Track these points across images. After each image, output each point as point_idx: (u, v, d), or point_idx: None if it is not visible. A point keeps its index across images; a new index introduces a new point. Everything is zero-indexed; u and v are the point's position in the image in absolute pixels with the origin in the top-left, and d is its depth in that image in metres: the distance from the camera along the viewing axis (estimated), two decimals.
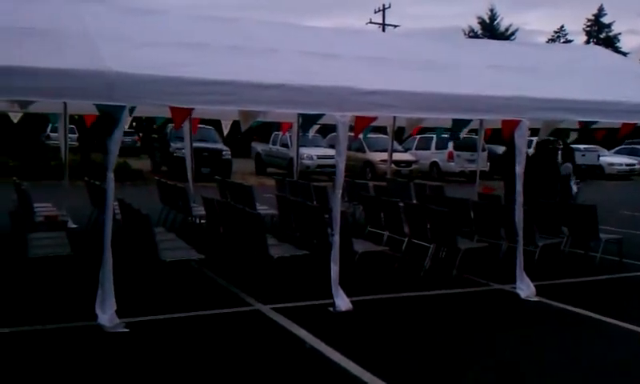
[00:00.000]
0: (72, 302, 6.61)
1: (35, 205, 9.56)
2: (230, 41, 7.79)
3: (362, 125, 7.28)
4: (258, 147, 28.07)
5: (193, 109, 6.47)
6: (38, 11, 7.76)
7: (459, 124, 10.33)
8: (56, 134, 27.50)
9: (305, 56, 7.87)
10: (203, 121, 16.42)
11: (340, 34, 11.40)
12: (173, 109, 6.32)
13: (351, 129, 7.30)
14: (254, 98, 6.50)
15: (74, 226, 10.58)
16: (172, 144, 22.87)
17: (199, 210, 10.52)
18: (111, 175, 5.96)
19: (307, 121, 7.05)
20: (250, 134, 25.29)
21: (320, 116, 6.84)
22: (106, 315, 5.92)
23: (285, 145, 25.07)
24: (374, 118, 7.39)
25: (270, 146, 27.29)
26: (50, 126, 27.51)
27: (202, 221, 10.46)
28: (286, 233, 9.19)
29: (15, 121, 13.31)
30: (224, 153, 23.72)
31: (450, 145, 26.00)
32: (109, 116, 5.88)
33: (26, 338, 5.69)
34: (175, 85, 6.04)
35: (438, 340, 6.07)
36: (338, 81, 6.99)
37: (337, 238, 6.86)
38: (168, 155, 23.21)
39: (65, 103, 11.11)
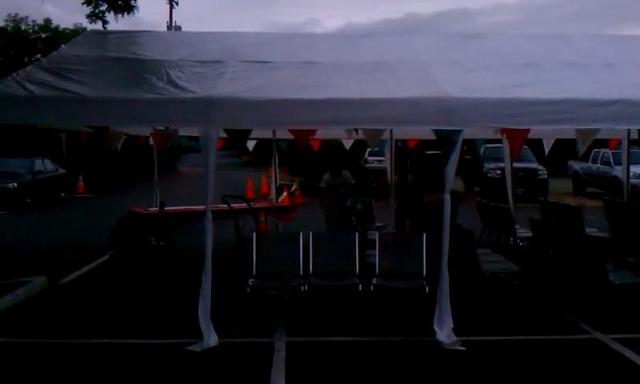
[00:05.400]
0: (411, 317, 6.96)
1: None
2: (561, 57, 7.56)
3: None
4: (576, 165, 26.40)
5: (529, 130, 6.38)
6: (371, 46, 8.49)
7: None
8: (373, 158, 29.76)
9: None
10: None
11: None
12: (509, 131, 6.31)
13: None
14: (592, 116, 6.15)
15: None
16: (485, 164, 22.83)
17: (522, 231, 10.29)
18: (447, 196, 6.15)
19: None
20: (566, 152, 23.95)
21: None
22: (444, 332, 6.13)
23: (606, 162, 23.23)
24: None
25: (590, 164, 25.47)
26: (368, 150, 29.47)
27: (524, 243, 10.19)
28: (622, 258, 8.47)
29: (347, 147, 14.47)
30: (540, 172, 22.87)
31: None
32: (445, 140, 6.09)
33: (371, 348, 6.14)
34: (512, 106, 6.03)
35: None
36: None
37: None
38: (481, 176, 23.20)
39: (391, 129, 11.81)
